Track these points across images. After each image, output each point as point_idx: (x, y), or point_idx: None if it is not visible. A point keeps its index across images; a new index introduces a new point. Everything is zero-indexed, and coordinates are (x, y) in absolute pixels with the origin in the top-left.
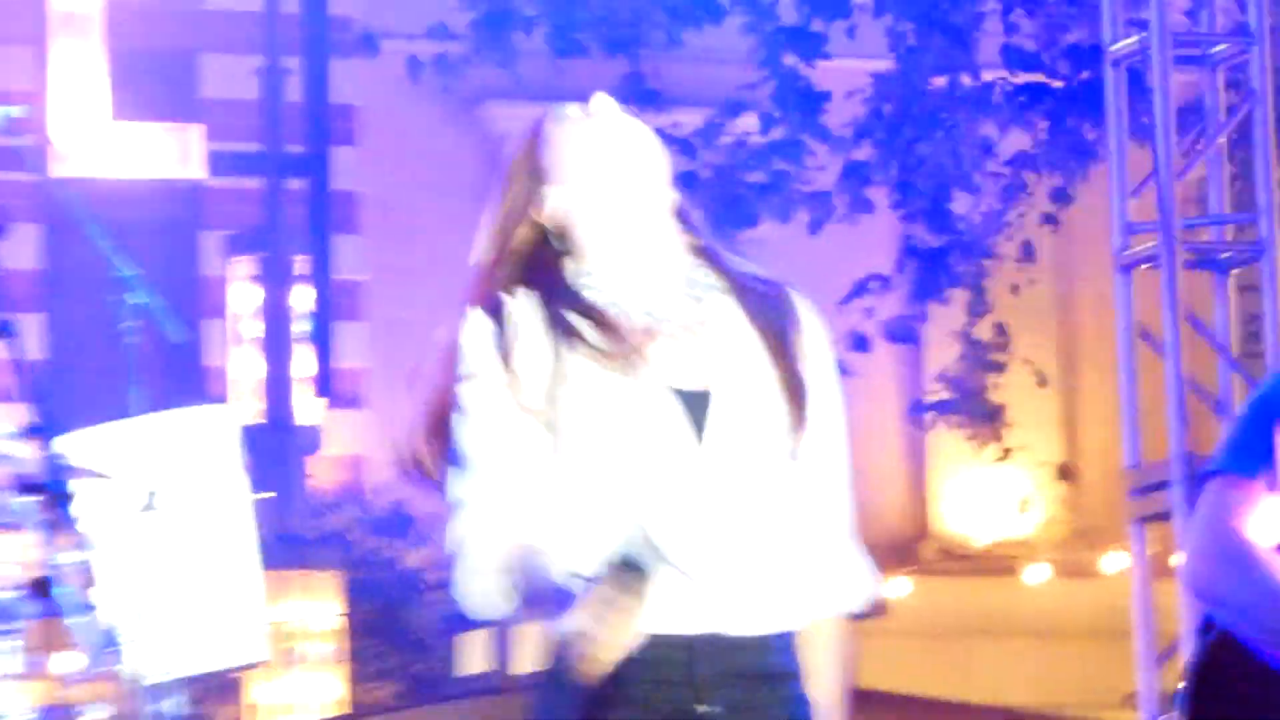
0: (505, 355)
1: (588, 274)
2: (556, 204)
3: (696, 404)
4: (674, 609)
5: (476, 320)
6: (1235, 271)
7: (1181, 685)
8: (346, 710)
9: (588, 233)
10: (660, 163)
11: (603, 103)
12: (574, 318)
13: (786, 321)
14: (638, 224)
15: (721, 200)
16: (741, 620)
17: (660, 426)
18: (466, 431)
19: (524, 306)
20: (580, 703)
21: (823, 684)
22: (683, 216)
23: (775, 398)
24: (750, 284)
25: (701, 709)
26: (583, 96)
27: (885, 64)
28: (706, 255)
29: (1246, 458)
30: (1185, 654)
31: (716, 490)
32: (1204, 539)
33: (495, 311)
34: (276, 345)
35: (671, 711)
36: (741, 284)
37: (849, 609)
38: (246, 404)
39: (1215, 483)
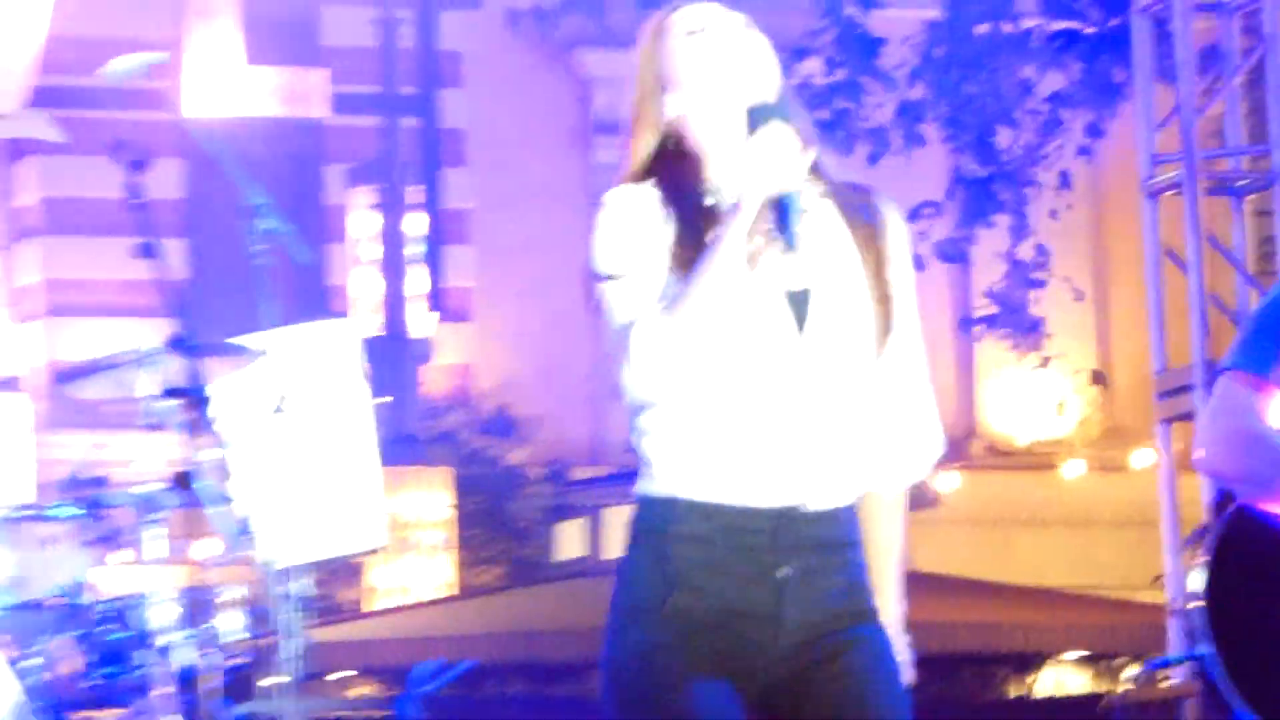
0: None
1: (705, 178)
2: (674, 109)
3: (798, 301)
4: (761, 484)
5: (613, 204)
6: (1251, 198)
7: (1203, 557)
8: (455, 592)
9: (703, 137)
10: (766, 68)
11: (713, 11)
12: (694, 218)
13: (876, 225)
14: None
15: None
16: (818, 496)
17: (765, 319)
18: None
19: (650, 201)
20: (669, 569)
21: (884, 551)
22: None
23: (866, 302)
24: (846, 191)
25: (780, 572)
26: None
27: (935, 13)
28: (821, 173)
29: (1256, 356)
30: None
31: (811, 379)
32: (1221, 425)
33: (627, 201)
34: (393, 266)
35: (754, 574)
36: (839, 190)
37: (916, 476)
38: (366, 319)
39: (1227, 377)
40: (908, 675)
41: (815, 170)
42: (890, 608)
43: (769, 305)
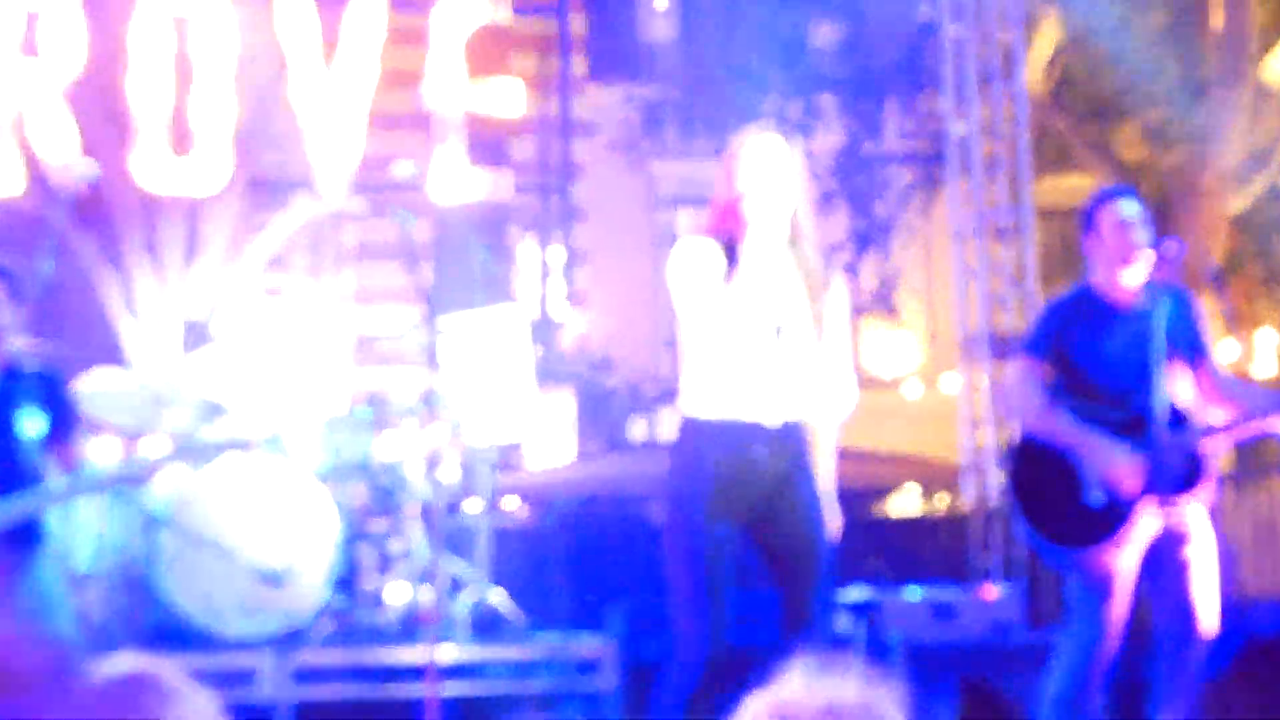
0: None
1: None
2: (740, 192)
3: (779, 310)
4: (752, 407)
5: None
6: (1010, 243)
7: (1009, 449)
8: (574, 457)
9: (746, 227)
10: (792, 176)
11: (766, 135)
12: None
13: (823, 285)
14: (774, 218)
15: None
16: (784, 415)
17: (762, 324)
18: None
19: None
20: (700, 454)
21: (827, 448)
22: (793, 218)
23: (810, 322)
24: (809, 270)
25: (761, 450)
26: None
27: (841, 140)
28: (796, 241)
29: (1038, 347)
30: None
31: (783, 357)
32: (1019, 390)
33: (700, 246)
34: (545, 278)
35: (748, 452)
36: (806, 269)
37: (845, 413)
38: (532, 307)
39: (1020, 358)
40: (833, 513)
41: (797, 254)
42: (828, 478)
43: (764, 318)
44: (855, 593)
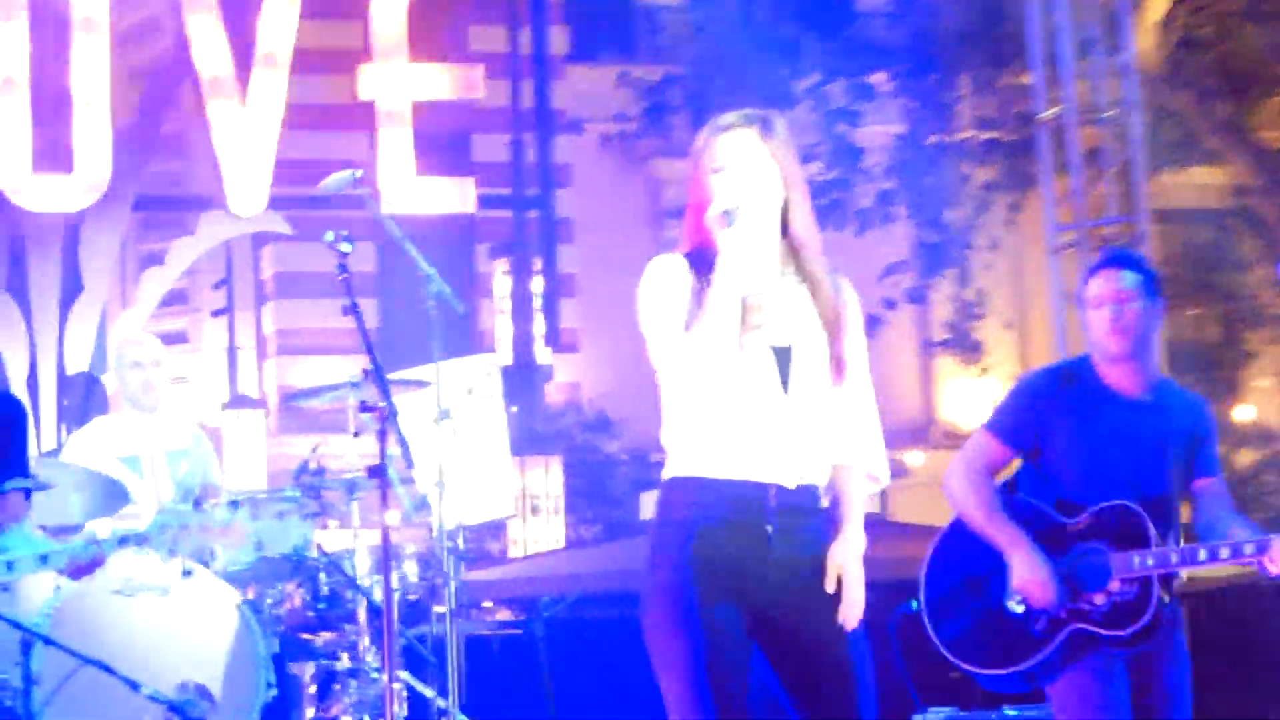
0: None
1: (724, 264)
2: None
3: (782, 354)
4: (755, 467)
5: (662, 264)
6: None
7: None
8: (565, 544)
9: (726, 239)
10: (776, 174)
11: (744, 118)
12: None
13: (838, 306)
14: (761, 225)
15: None
16: (794, 477)
17: (760, 365)
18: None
19: (683, 273)
20: (688, 522)
21: (854, 506)
22: (784, 217)
23: (824, 357)
24: (818, 279)
25: (768, 528)
26: None
27: (900, 128)
28: (794, 254)
29: (1005, 429)
30: None
31: (790, 405)
32: (963, 466)
33: (674, 263)
34: (522, 314)
35: (750, 529)
36: (812, 279)
37: (874, 472)
38: (505, 352)
39: (982, 433)
40: (858, 594)
41: (797, 260)
42: (856, 540)
43: (764, 353)
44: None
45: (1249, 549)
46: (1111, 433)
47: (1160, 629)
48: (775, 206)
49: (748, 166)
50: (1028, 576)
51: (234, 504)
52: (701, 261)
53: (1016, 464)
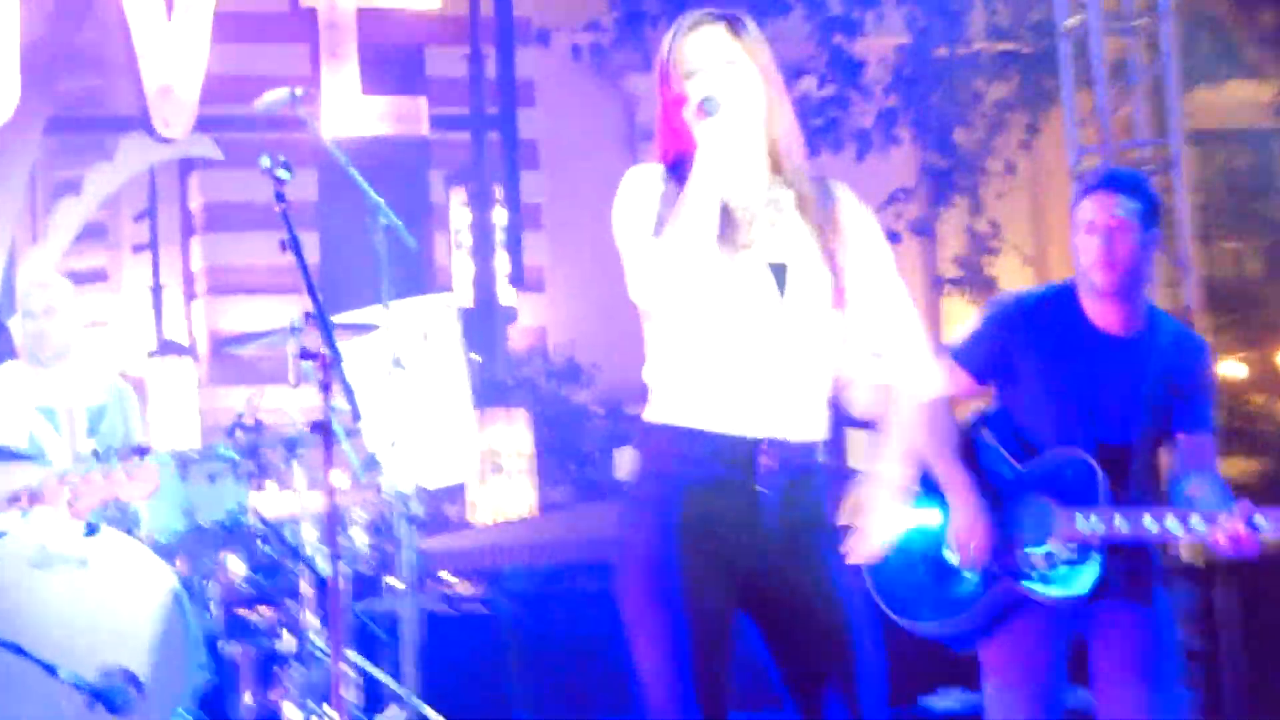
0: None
1: (702, 157)
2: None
3: (779, 271)
4: (746, 417)
5: (637, 174)
6: (1154, 178)
7: None
8: (534, 508)
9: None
10: (758, 71)
11: (706, 43)
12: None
13: (829, 209)
14: (741, 115)
15: None
16: (793, 429)
17: (753, 285)
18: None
19: (661, 180)
20: (676, 478)
21: (890, 440)
22: (766, 120)
23: (824, 273)
24: (805, 193)
25: (759, 489)
26: None
27: (904, 38)
28: (778, 161)
29: (969, 357)
30: None
31: (789, 335)
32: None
33: (650, 172)
34: (482, 250)
35: (739, 490)
36: (800, 193)
37: (927, 394)
38: (463, 292)
39: (946, 359)
40: (875, 530)
41: (783, 176)
42: (889, 473)
43: (756, 274)
44: (945, 700)
45: (1195, 520)
46: (1081, 372)
47: (1113, 589)
48: (757, 108)
49: (723, 64)
50: (959, 525)
51: (140, 450)
52: (681, 169)
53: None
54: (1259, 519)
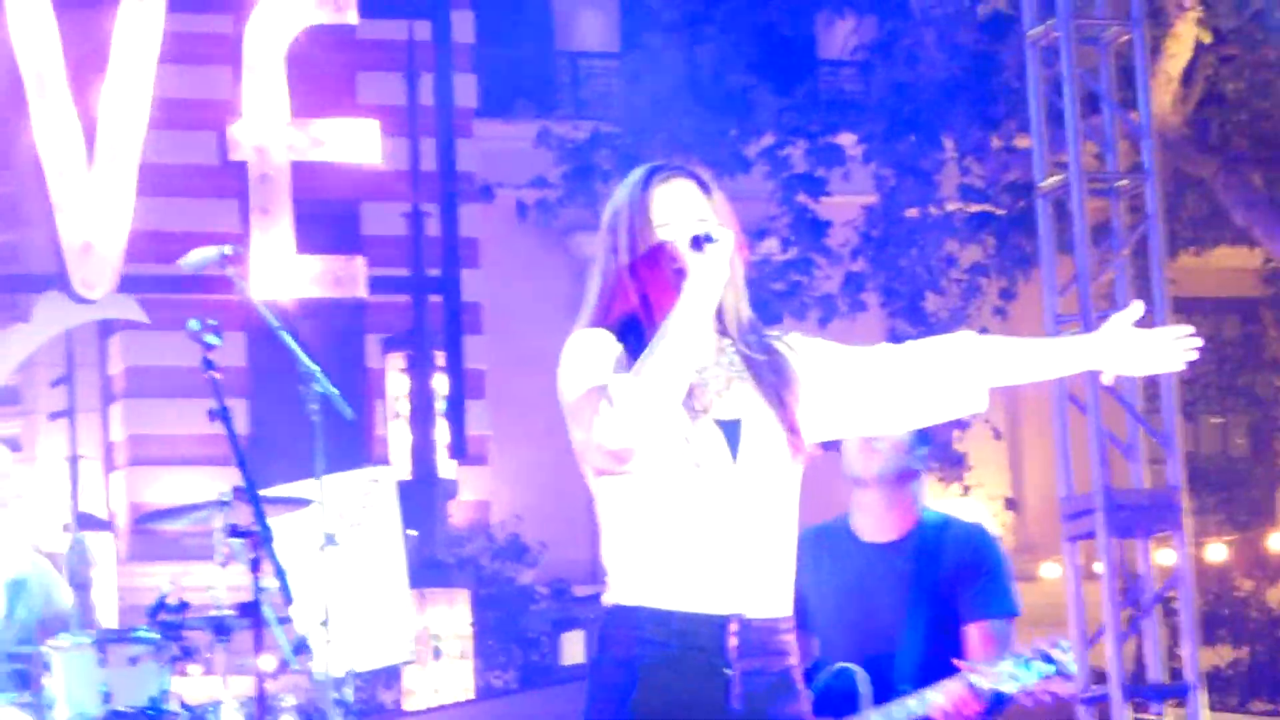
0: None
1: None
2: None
3: (730, 429)
4: (707, 595)
5: (587, 335)
6: None
7: None
8: (473, 694)
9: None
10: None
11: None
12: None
13: (782, 376)
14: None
15: (751, 304)
16: (756, 606)
17: (704, 447)
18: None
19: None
20: (632, 669)
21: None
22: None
23: (778, 430)
24: (754, 357)
25: (726, 672)
26: None
27: (872, 198)
28: (728, 333)
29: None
30: (1108, 642)
31: (746, 501)
32: None
33: (599, 335)
34: (422, 419)
35: (704, 673)
36: (747, 360)
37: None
38: (401, 464)
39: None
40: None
41: (728, 328)
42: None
43: (706, 434)
44: None
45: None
46: (845, 586)
47: None
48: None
49: (695, 221)
50: None
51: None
52: (631, 332)
53: None
54: (974, 678)
